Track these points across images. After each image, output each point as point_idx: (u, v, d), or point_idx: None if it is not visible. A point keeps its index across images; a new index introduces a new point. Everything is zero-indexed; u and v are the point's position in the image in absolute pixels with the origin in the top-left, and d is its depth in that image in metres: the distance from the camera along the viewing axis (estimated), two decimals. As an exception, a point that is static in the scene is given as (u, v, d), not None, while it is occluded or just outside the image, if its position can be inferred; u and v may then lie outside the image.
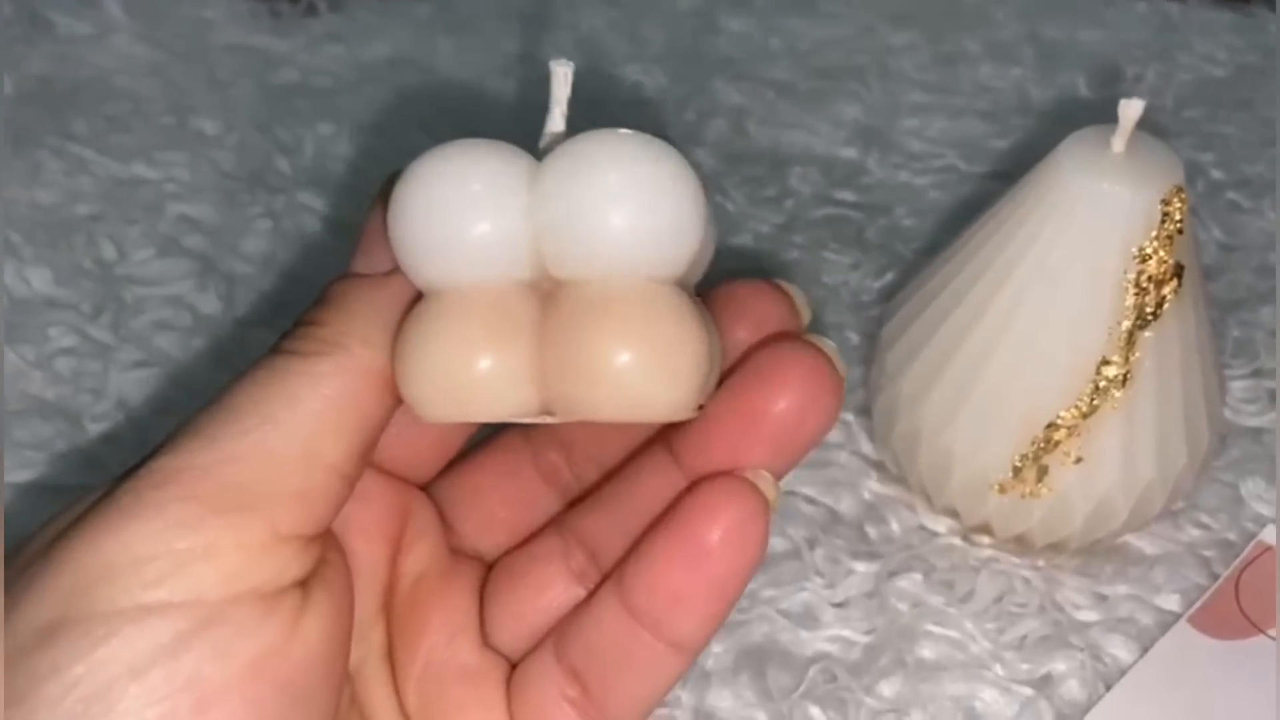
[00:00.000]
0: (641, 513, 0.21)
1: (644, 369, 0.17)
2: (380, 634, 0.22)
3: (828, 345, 0.20)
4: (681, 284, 0.18)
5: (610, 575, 0.21)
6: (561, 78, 0.19)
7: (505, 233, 0.18)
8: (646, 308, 0.17)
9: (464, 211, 0.17)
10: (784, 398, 0.20)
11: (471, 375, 0.18)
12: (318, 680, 0.18)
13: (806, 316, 0.21)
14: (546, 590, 0.22)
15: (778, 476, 0.20)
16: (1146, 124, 0.25)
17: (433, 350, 0.18)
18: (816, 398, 0.20)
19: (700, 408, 0.19)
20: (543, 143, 0.19)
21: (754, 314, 0.21)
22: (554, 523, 0.23)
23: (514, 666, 0.22)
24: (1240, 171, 0.41)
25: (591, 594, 0.21)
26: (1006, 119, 0.43)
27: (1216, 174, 0.41)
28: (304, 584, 0.18)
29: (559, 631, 0.21)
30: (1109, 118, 0.25)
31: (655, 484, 0.21)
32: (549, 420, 0.18)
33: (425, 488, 0.23)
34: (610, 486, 0.22)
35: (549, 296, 0.18)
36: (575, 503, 0.23)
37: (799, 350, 0.20)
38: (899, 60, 0.46)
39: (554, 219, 0.17)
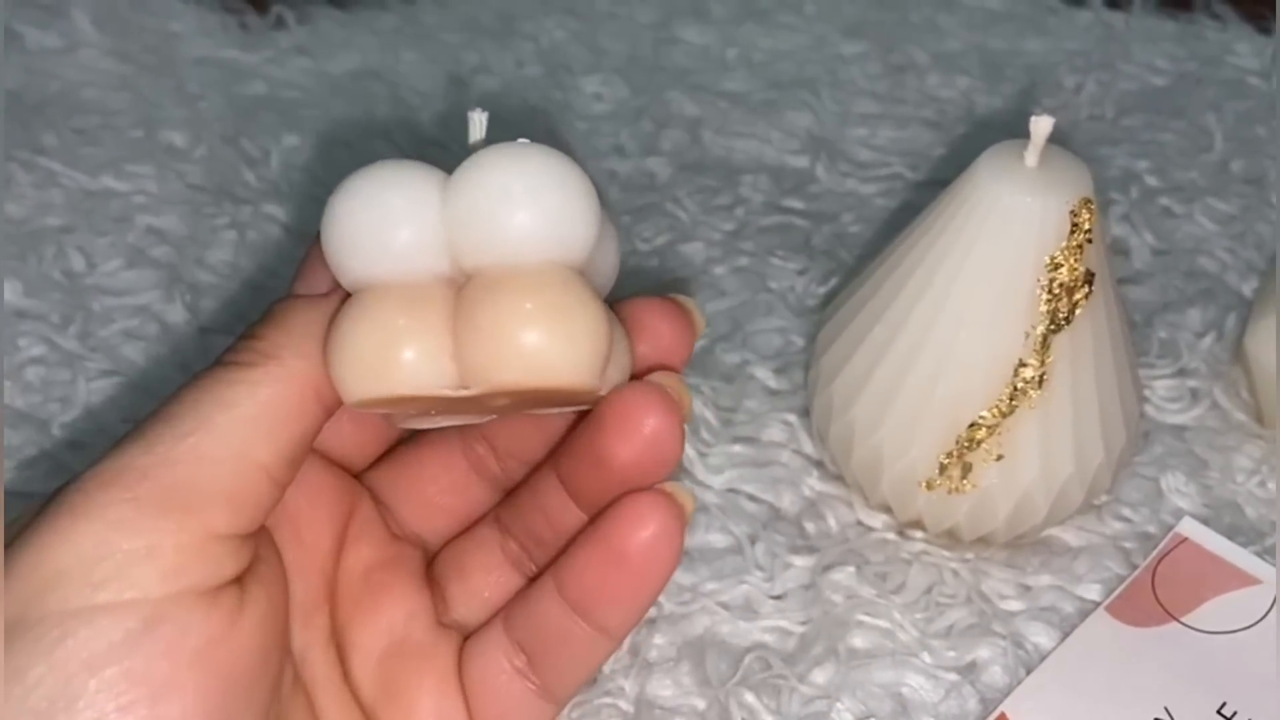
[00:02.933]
0: (546, 525, 0.24)
1: (542, 334, 0.19)
2: (324, 620, 0.23)
3: (674, 382, 0.22)
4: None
5: (550, 566, 0.23)
6: (477, 125, 0.21)
7: (421, 236, 0.20)
8: (541, 281, 0.20)
9: (384, 219, 0.20)
10: (638, 435, 0.22)
11: (391, 351, 0.19)
12: (257, 667, 0.20)
13: (701, 327, 0.24)
14: (492, 572, 0.25)
15: None
16: (1086, 132, 0.26)
17: (356, 331, 0.20)
18: (664, 431, 0.22)
19: (601, 392, 0.21)
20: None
21: (651, 329, 0.23)
22: (491, 514, 0.25)
23: (465, 641, 0.24)
24: (1174, 178, 0.42)
25: (535, 579, 0.24)
26: (952, 128, 0.45)
27: (1151, 180, 0.42)
28: (240, 580, 0.20)
29: (508, 610, 0.24)
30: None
31: (555, 503, 0.24)
32: (465, 393, 0.20)
33: (368, 476, 0.25)
34: (524, 495, 0.25)
35: (462, 287, 0.20)
36: (508, 496, 0.25)
37: (646, 389, 0.22)
38: (850, 70, 0.47)
39: (460, 215, 0.20)
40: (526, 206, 0.19)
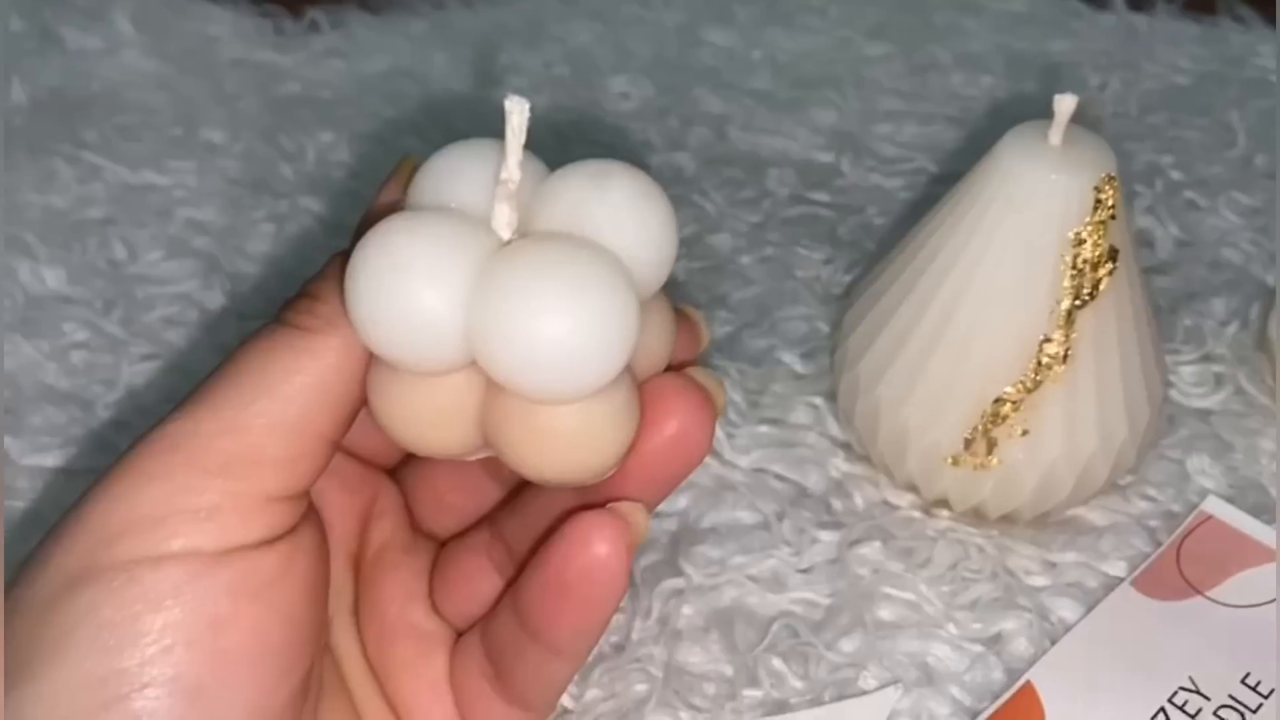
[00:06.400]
0: (543, 520, 0.23)
1: (566, 470, 0.20)
2: (350, 591, 0.24)
3: (710, 379, 0.22)
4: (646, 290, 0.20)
5: (514, 579, 0.23)
6: (517, 119, 0.19)
7: (447, 323, 0.18)
8: (569, 425, 0.19)
9: (410, 294, 0.18)
10: (665, 430, 0.21)
11: (430, 429, 0.20)
12: (310, 610, 0.20)
13: (706, 338, 0.23)
14: (473, 577, 0.24)
15: (653, 504, 0.22)
16: (1110, 128, 0.26)
17: (396, 410, 0.20)
18: (695, 428, 0.21)
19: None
20: (498, 190, 0.19)
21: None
22: (487, 518, 0.25)
23: (460, 636, 0.24)
24: (1198, 173, 0.43)
25: (504, 591, 0.24)
26: (975, 124, 0.45)
27: (1175, 175, 0.43)
28: (294, 530, 0.20)
29: (486, 617, 0.24)
30: (1072, 121, 0.27)
31: (554, 497, 0.23)
32: (491, 454, 0.21)
33: (392, 472, 0.26)
34: (523, 493, 0.24)
35: (489, 381, 0.20)
36: (508, 496, 0.25)
37: (681, 384, 0.21)
38: (874, 70, 0.48)
39: (477, 334, 0.18)
40: (555, 346, 0.18)
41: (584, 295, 0.18)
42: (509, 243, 0.19)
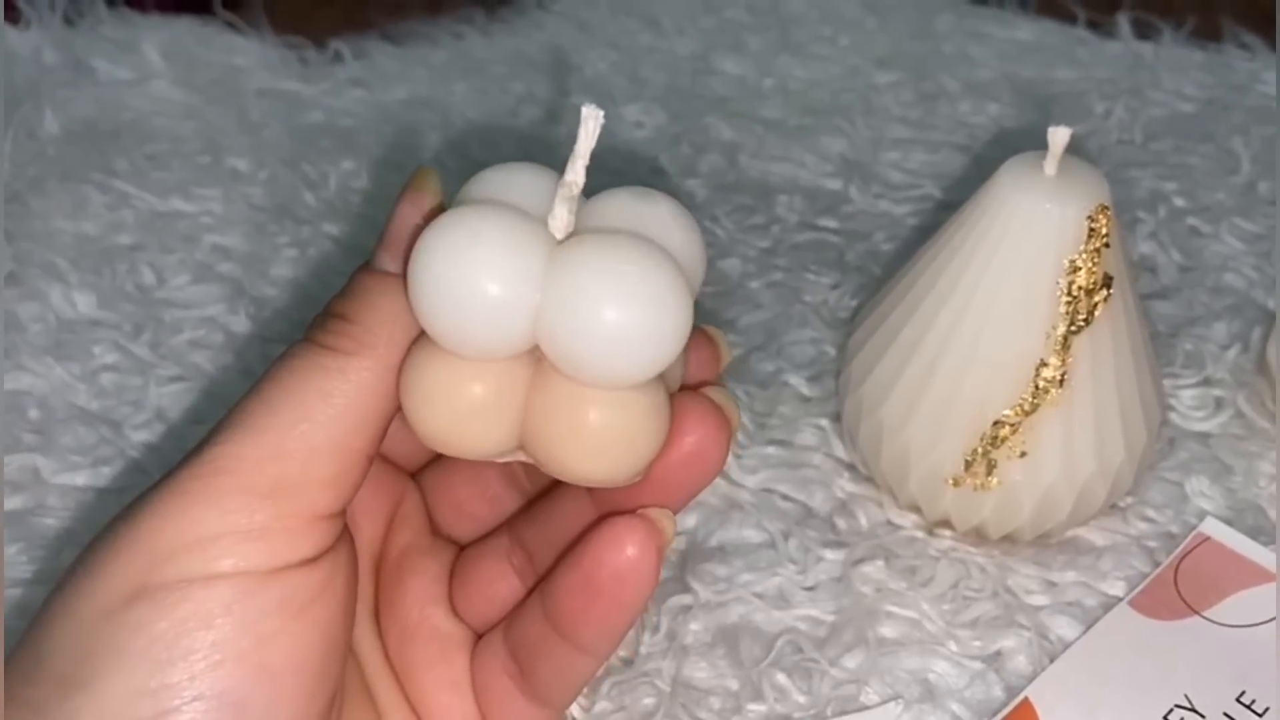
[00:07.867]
0: (562, 528, 0.24)
1: (604, 466, 0.20)
2: (370, 593, 0.25)
3: (726, 398, 0.23)
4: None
5: (540, 581, 0.24)
6: (590, 127, 0.20)
7: (513, 304, 0.19)
8: (613, 419, 0.20)
9: (479, 290, 0.19)
10: (682, 445, 0.22)
11: (465, 423, 0.21)
12: (345, 622, 0.21)
13: (727, 357, 0.24)
14: (494, 581, 0.25)
15: (674, 510, 0.23)
16: (1115, 155, 0.27)
17: (434, 398, 0.21)
18: (710, 444, 0.22)
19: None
20: (560, 190, 0.20)
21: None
22: (506, 524, 0.26)
23: (479, 638, 0.25)
24: (1201, 199, 0.43)
25: (530, 592, 0.25)
26: (981, 151, 0.46)
27: (1179, 201, 0.43)
28: (333, 547, 0.21)
29: (509, 617, 0.25)
30: (1074, 150, 0.27)
31: (572, 507, 0.24)
32: (523, 459, 0.21)
33: (415, 476, 0.27)
34: (543, 502, 0.25)
35: (539, 365, 0.20)
36: (525, 509, 0.26)
37: (698, 402, 0.22)
38: (883, 98, 0.49)
39: (549, 311, 0.20)
40: (614, 333, 0.19)
41: (654, 281, 0.19)
42: (564, 242, 0.20)
